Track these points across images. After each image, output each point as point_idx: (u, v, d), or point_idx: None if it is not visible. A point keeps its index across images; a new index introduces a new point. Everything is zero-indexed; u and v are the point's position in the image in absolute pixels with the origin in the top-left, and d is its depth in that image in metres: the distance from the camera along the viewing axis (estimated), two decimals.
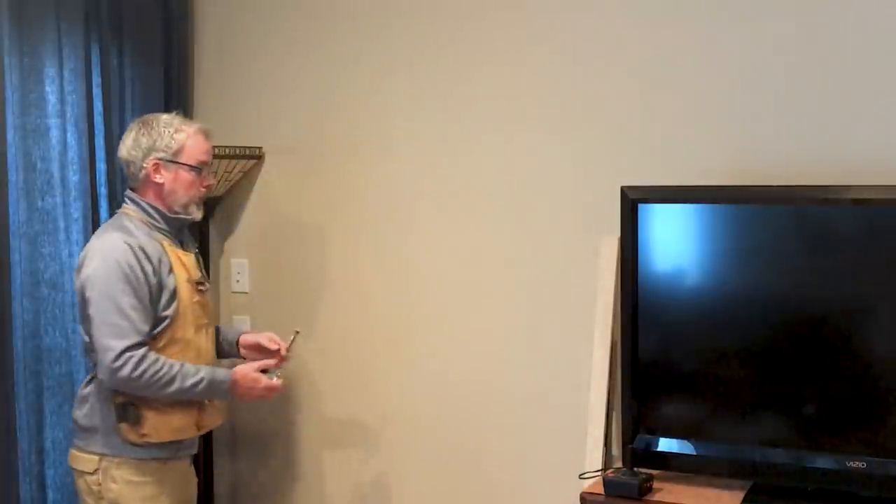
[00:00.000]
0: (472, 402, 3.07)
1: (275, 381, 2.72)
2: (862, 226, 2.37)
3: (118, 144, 3.22)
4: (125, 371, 2.51)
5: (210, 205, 3.37)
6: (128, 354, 2.52)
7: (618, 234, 2.62)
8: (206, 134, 2.72)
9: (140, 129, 2.68)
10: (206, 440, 3.31)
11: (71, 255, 3.02)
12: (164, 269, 2.62)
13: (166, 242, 2.67)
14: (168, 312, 2.61)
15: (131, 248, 2.57)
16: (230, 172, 3.30)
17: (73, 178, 3.03)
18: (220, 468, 3.48)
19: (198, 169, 2.69)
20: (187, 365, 2.60)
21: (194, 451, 2.81)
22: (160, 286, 2.60)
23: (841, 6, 2.52)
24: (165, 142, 2.64)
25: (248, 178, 3.39)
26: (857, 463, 2.35)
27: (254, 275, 3.44)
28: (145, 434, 2.60)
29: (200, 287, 2.72)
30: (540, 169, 2.92)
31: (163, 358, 2.57)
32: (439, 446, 3.13)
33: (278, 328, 3.12)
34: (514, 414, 3.00)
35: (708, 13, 2.67)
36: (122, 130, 3.19)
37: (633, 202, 2.55)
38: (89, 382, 2.66)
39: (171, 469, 2.69)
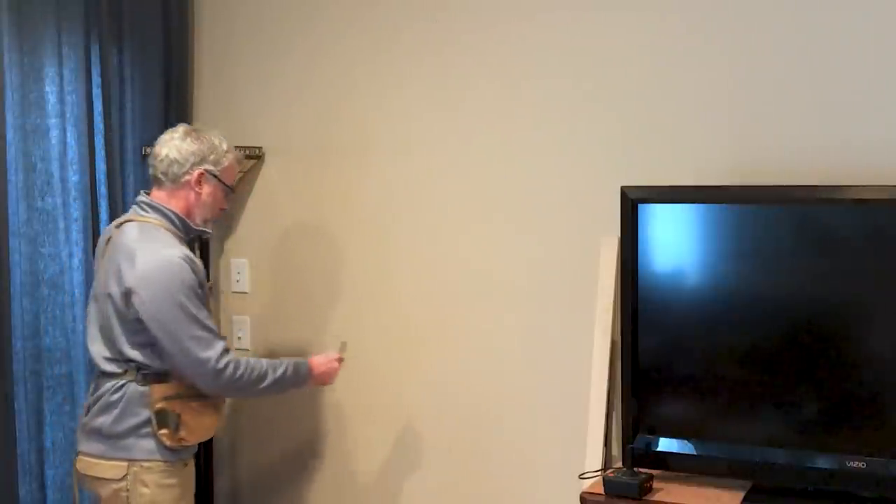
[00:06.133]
0: (471, 402, 3.07)
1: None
2: (862, 226, 2.37)
3: (118, 144, 3.23)
4: (226, 375, 2.58)
5: None
6: (224, 360, 2.58)
7: (618, 234, 2.62)
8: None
9: (191, 134, 2.69)
10: (207, 441, 3.30)
11: (71, 255, 3.02)
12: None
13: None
14: None
15: (188, 261, 2.58)
16: None
17: (73, 178, 3.03)
18: (219, 468, 3.48)
19: (230, 189, 2.75)
20: (265, 360, 2.70)
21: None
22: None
23: (840, 6, 2.52)
24: (218, 156, 2.68)
25: (248, 178, 3.38)
26: (857, 463, 2.35)
27: (254, 275, 3.43)
28: (182, 438, 2.62)
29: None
30: (540, 169, 2.92)
31: (246, 358, 2.66)
32: (439, 446, 3.13)
33: (278, 328, 3.13)
34: (514, 414, 2.99)
35: (707, 13, 2.67)
36: (122, 130, 3.20)
37: (633, 202, 2.55)
38: (119, 389, 2.60)
39: (188, 469, 2.72)
